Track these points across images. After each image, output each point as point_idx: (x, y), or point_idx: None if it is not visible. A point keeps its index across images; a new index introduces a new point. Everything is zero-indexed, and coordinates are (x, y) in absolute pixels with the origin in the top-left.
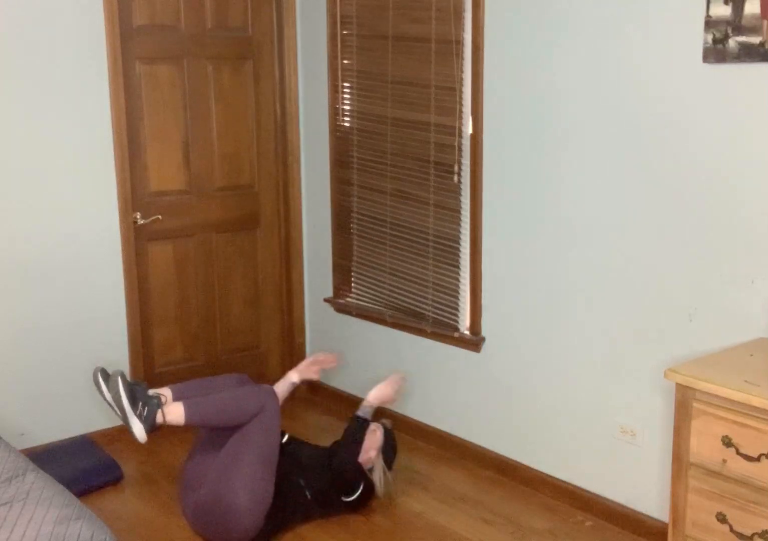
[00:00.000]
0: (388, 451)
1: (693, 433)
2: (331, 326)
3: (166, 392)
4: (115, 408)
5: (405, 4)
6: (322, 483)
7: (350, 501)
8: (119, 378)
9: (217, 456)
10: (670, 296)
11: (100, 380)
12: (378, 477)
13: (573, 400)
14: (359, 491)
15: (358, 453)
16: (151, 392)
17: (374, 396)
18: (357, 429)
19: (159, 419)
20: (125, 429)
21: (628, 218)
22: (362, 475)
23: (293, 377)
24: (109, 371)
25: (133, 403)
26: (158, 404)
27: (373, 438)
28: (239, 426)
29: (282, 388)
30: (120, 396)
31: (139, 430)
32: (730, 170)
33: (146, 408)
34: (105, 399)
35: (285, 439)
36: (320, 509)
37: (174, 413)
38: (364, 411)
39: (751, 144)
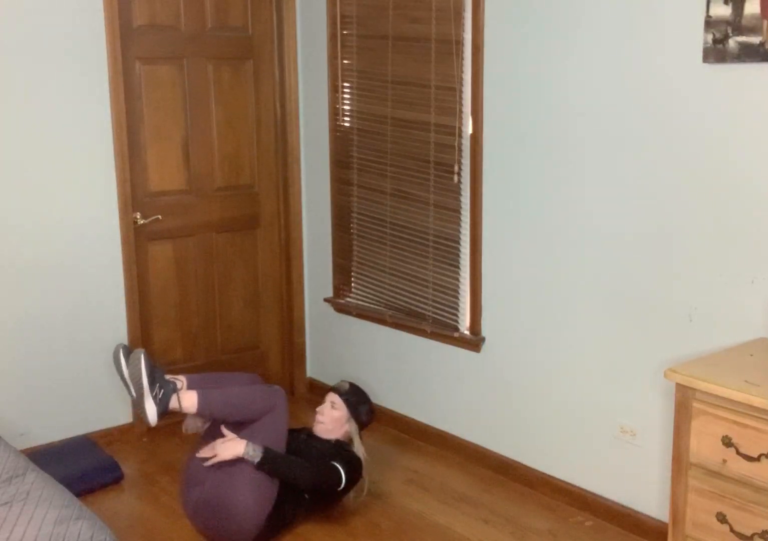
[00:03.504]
0: (360, 410)
1: (693, 433)
2: (331, 326)
3: (182, 379)
4: (132, 386)
5: (405, 4)
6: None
7: (344, 488)
8: (142, 356)
9: None
10: (670, 296)
11: (121, 355)
12: (358, 446)
13: (573, 400)
14: (343, 479)
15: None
16: (168, 377)
17: None
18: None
19: (173, 403)
20: (125, 429)
21: (628, 218)
22: (336, 472)
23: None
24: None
25: (152, 383)
26: (174, 388)
27: (336, 413)
28: (246, 423)
29: None
30: (141, 374)
31: (152, 412)
32: (731, 170)
33: (162, 391)
34: (123, 376)
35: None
36: (319, 504)
37: (188, 400)
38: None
39: (751, 144)
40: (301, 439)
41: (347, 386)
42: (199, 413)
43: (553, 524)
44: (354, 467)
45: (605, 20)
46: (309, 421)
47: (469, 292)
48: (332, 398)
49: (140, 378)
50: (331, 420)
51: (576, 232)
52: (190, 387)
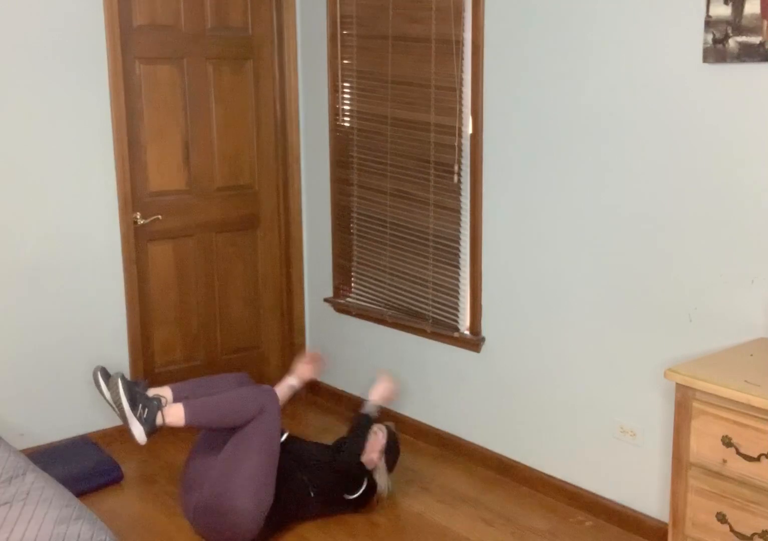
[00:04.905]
0: (391, 453)
1: (693, 433)
2: (331, 326)
3: (165, 392)
4: (115, 409)
5: (405, 4)
6: (326, 480)
7: (353, 499)
8: (119, 380)
9: (218, 457)
10: (670, 296)
11: (100, 379)
12: (380, 479)
13: (573, 400)
14: (362, 488)
15: (362, 450)
16: (151, 392)
17: (378, 394)
18: (362, 426)
19: (159, 421)
20: (125, 429)
21: (628, 218)
22: (365, 472)
23: (291, 380)
24: (110, 371)
25: (133, 405)
26: (158, 405)
27: (376, 440)
28: (239, 427)
29: (281, 392)
30: (120, 398)
31: (139, 432)
32: (730, 170)
33: (146, 410)
34: (104, 398)
35: (284, 437)
36: (322, 506)
37: (174, 414)
38: (368, 410)
39: (751, 144)
40: (335, 446)
41: (393, 429)
42: (188, 426)
43: (553, 524)
44: (371, 488)
45: (605, 20)
46: (309, 420)
47: (469, 292)
48: (378, 428)
49: (121, 403)
50: (371, 441)
51: (576, 233)
52: (176, 398)
